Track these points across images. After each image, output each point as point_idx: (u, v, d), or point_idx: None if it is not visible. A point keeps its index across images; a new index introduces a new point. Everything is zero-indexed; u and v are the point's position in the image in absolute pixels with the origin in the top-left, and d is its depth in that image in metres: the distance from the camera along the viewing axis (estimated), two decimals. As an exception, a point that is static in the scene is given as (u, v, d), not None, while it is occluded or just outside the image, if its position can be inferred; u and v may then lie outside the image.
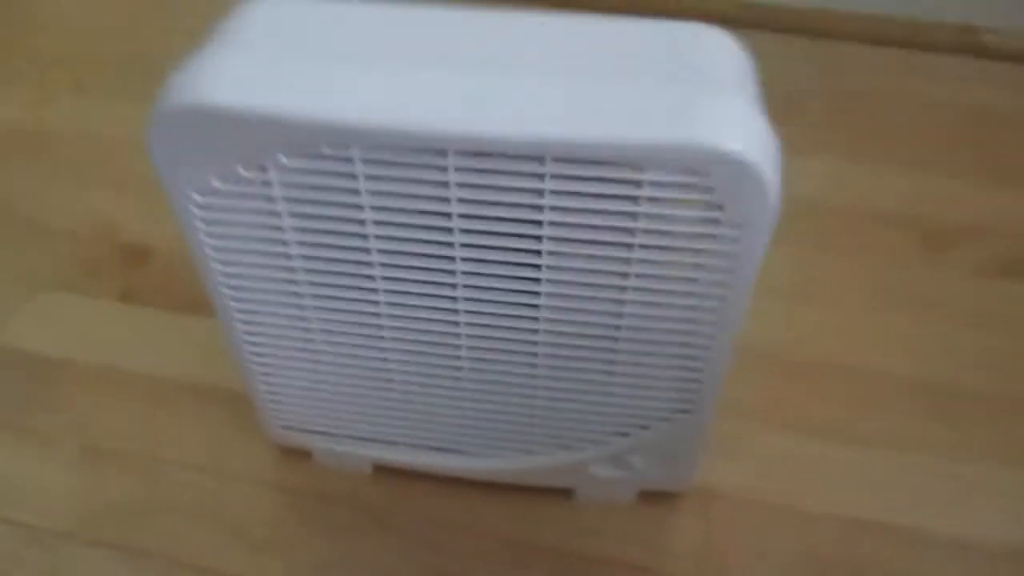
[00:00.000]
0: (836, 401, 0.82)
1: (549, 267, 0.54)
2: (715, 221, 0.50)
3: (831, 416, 0.80)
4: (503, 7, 0.54)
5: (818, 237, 0.96)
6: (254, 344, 0.65)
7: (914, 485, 0.76)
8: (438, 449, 0.72)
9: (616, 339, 0.59)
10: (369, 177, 0.51)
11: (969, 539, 0.72)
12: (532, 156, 0.48)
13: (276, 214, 0.54)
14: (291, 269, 0.58)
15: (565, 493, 0.74)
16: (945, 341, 0.86)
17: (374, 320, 0.61)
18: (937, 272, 0.92)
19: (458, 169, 0.49)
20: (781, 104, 1.13)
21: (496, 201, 0.51)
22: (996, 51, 1.18)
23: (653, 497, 0.74)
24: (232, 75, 0.49)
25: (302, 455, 0.77)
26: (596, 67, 0.50)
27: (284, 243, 0.56)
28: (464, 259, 0.55)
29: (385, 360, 0.64)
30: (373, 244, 0.55)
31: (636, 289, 0.55)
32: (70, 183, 1.02)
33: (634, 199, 0.50)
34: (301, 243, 0.56)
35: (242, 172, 0.52)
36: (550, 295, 0.56)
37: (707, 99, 0.48)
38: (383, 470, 0.76)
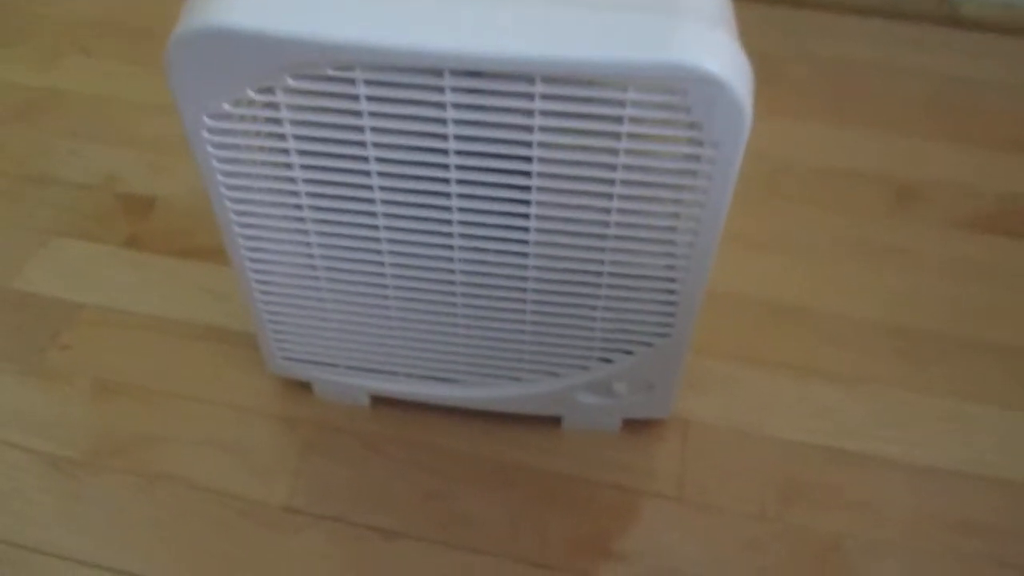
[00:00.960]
0: (806, 341, 0.86)
1: (539, 189, 0.58)
2: (692, 140, 0.54)
3: (801, 354, 0.85)
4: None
5: (797, 193, 1.00)
6: (260, 273, 0.69)
7: (876, 415, 0.80)
8: (433, 379, 0.76)
9: (602, 262, 0.63)
10: (371, 99, 0.54)
11: (924, 463, 0.77)
12: (523, 76, 0.52)
13: (282, 137, 0.58)
14: (295, 194, 0.62)
15: (554, 422, 0.78)
16: (911, 287, 0.91)
17: (374, 247, 0.65)
18: (908, 225, 0.97)
19: (454, 90, 0.53)
20: (764, 70, 1.18)
21: (490, 122, 0.55)
22: (973, 21, 1.22)
23: (635, 425, 0.78)
24: (245, 1, 0.53)
25: (303, 389, 0.81)
26: (584, -2, 0.54)
27: (289, 167, 0.60)
28: (459, 181, 0.59)
29: (384, 288, 0.68)
30: (374, 167, 0.59)
31: (621, 211, 0.59)
32: (77, 140, 1.06)
33: (618, 119, 0.54)
34: (305, 167, 0.60)
35: (251, 95, 0.55)
36: (540, 218, 0.60)
37: (687, 25, 0.52)
38: (379, 402, 0.80)
